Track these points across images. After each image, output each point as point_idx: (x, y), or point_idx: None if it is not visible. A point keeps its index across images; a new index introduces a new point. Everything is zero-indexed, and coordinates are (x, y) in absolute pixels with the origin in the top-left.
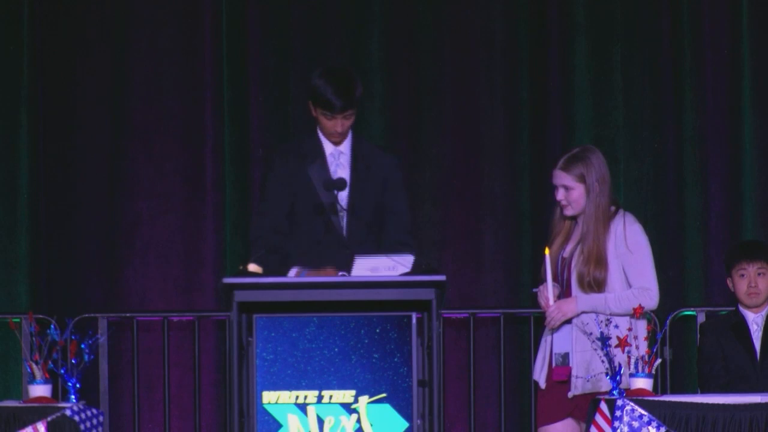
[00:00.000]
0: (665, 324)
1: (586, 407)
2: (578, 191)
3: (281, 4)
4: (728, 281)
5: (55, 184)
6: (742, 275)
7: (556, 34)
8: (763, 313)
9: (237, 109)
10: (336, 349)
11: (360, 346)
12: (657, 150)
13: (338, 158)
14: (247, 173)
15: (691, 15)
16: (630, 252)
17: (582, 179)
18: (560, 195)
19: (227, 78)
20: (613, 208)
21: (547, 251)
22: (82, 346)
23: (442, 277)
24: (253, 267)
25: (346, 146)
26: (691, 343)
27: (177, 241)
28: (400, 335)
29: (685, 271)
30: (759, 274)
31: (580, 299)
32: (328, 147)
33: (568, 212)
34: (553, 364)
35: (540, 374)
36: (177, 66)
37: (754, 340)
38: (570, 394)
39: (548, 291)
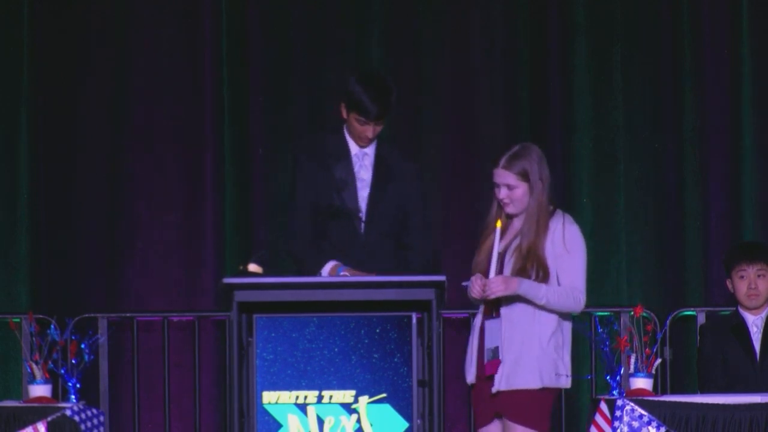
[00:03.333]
0: (665, 324)
1: (511, 404)
2: (521, 189)
3: (281, 4)
4: (728, 282)
5: (55, 184)
6: (742, 277)
7: (556, 34)
8: (763, 314)
9: (237, 109)
10: (336, 349)
11: (360, 346)
12: (657, 150)
13: (362, 159)
14: (247, 173)
15: (691, 15)
16: (567, 252)
17: (525, 177)
18: (503, 194)
19: (227, 78)
20: (551, 207)
21: (499, 224)
22: (82, 346)
23: (442, 277)
24: (253, 267)
25: (370, 148)
26: (691, 343)
27: (177, 241)
28: (400, 335)
29: (685, 271)
30: (759, 275)
31: (523, 282)
32: (353, 147)
33: (510, 210)
34: (486, 359)
35: (468, 371)
36: (177, 66)
37: (754, 342)
38: (493, 390)
39: (492, 264)
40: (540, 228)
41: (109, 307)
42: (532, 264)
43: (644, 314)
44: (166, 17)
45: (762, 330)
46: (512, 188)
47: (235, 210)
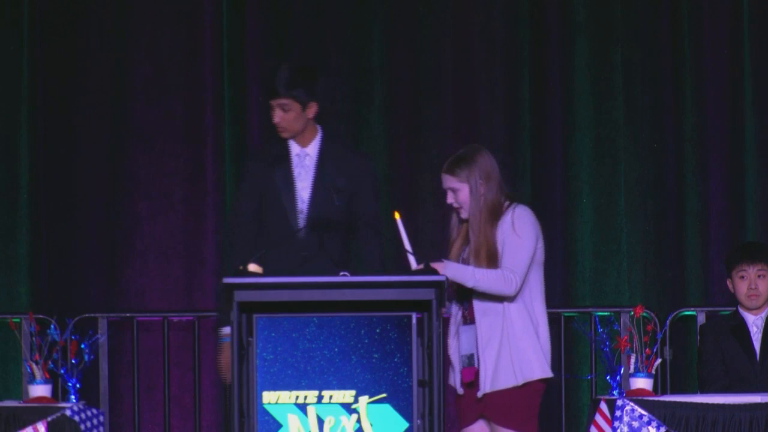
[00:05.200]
0: (665, 324)
1: (495, 406)
2: (465, 192)
3: (281, 4)
4: (728, 282)
5: (55, 184)
6: (743, 277)
7: (556, 34)
8: (763, 315)
9: (237, 109)
10: (336, 349)
11: (360, 346)
12: (657, 150)
13: (303, 159)
14: None
15: (691, 15)
16: (516, 234)
17: (466, 179)
18: (450, 198)
19: (227, 78)
20: (507, 203)
21: (396, 215)
22: (82, 346)
23: (442, 278)
24: (253, 267)
25: (313, 148)
26: (691, 343)
27: (177, 241)
28: (400, 335)
29: (685, 271)
30: (759, 276)
31: (449, 265)
32: (294, 148)
33: (463, 215)
34: (461, 365)
35: (455, 379)
36: (177, 66)
37: (754, 342)
38: (479, 394)
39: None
40: (487, 228)
41: (109, 307)
42: (486, 261)
43: (644, 314)
44: (166, 17)
45: (762, 330)
46: (456, 192)
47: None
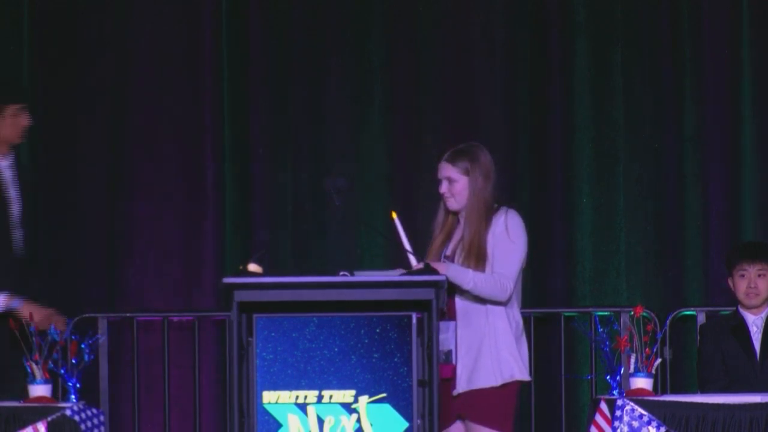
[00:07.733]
0: (665, 324)
1: (474, 405)
2: (462, 183)
3: (281, 4)
4: (729, 281)
5: (55, 185)
6: (742, 276)
7: (556, 34)
8: (763, 314)
9: (237, 109)
10: (336, 349)
11: (360, 346)
12: (657, 150)
13: (5, 171)
14: (247, 173)
15: (691, 15)
16: (510, 240)
17: (466, 172)
18: (444, 187)
19: (227, 78)
20: (496, 206)
21: (394, 215)
22: (82, 346)
23: (443, 277)
24: (253, 267)
25: (11, 156)
26: (691, 343)
27: (177, 241)
28: (400, 335)
29: (685, 271)
30: (759, 275)
31: (450, 266)
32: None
33: (451, 206)
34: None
35: None
36: (177, 66)
37: (754, 342)
38: (455, 392)
39: (407, 250)
40: (481, 225)
41: (109, 307)
42: (475, 258)
43: (644, 314)
44: (166, 17)
45: (762, 330)
46: (452, 182)
47: (235, 210)
